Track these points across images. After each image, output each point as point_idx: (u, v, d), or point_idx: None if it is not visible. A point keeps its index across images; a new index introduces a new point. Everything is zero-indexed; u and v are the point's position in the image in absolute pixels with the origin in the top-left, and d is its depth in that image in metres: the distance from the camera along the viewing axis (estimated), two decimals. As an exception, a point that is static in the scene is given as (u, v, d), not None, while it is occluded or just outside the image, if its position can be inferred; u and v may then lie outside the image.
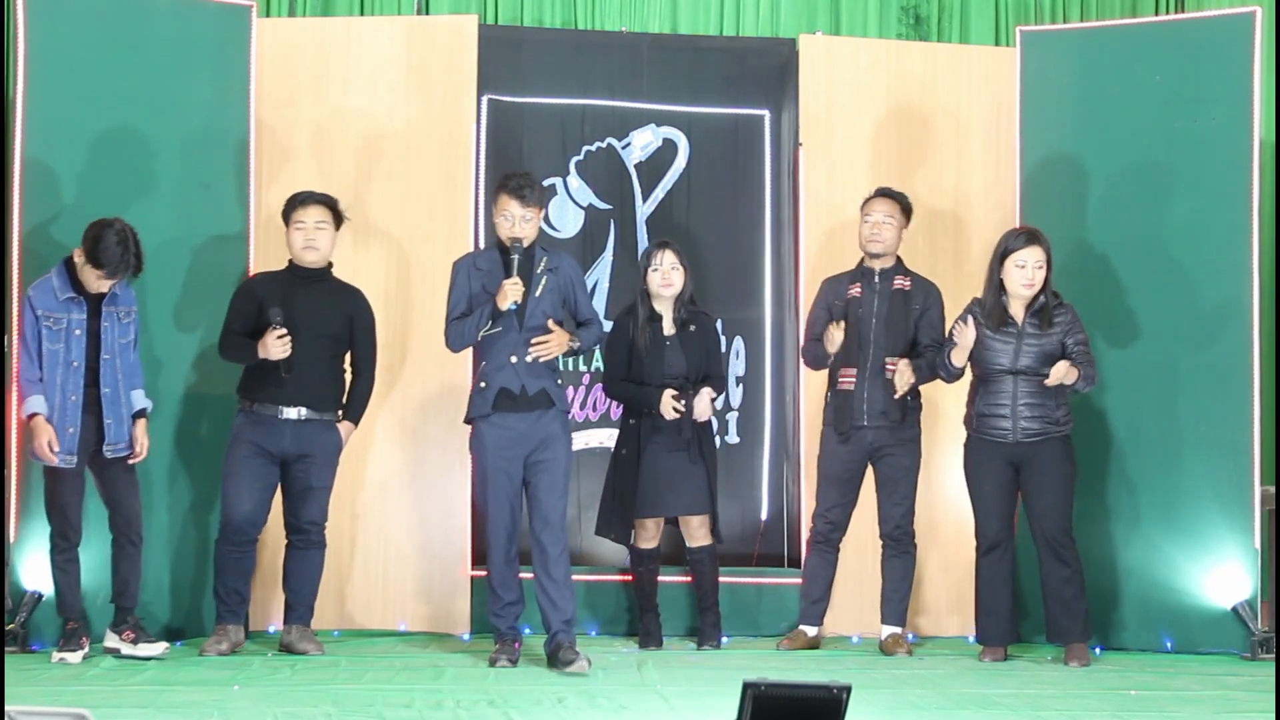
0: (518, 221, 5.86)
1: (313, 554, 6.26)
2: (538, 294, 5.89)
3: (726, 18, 7.84)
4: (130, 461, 5.99)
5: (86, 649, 5.89)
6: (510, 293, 5.78)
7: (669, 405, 6.36)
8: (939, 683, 5.66)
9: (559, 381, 6.02)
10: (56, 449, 5.83)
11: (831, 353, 6.44)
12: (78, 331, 5.87)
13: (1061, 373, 6.12)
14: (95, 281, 5.87)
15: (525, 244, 5.86)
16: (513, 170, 6.22)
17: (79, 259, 5.87)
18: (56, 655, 5.84)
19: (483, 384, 5.90)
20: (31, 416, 5.83)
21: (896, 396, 6.40)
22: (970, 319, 6.25)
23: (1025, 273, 6.22)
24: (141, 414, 6.03)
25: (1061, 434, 6.25)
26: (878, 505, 6.55)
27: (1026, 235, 6.29)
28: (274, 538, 6.36)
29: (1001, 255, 6.27)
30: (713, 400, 6.52)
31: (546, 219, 7.33)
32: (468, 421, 5.97)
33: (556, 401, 5.93)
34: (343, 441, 6.30)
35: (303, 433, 6.16)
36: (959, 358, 6.28)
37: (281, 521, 6.31)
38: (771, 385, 7.36)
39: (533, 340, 5.84)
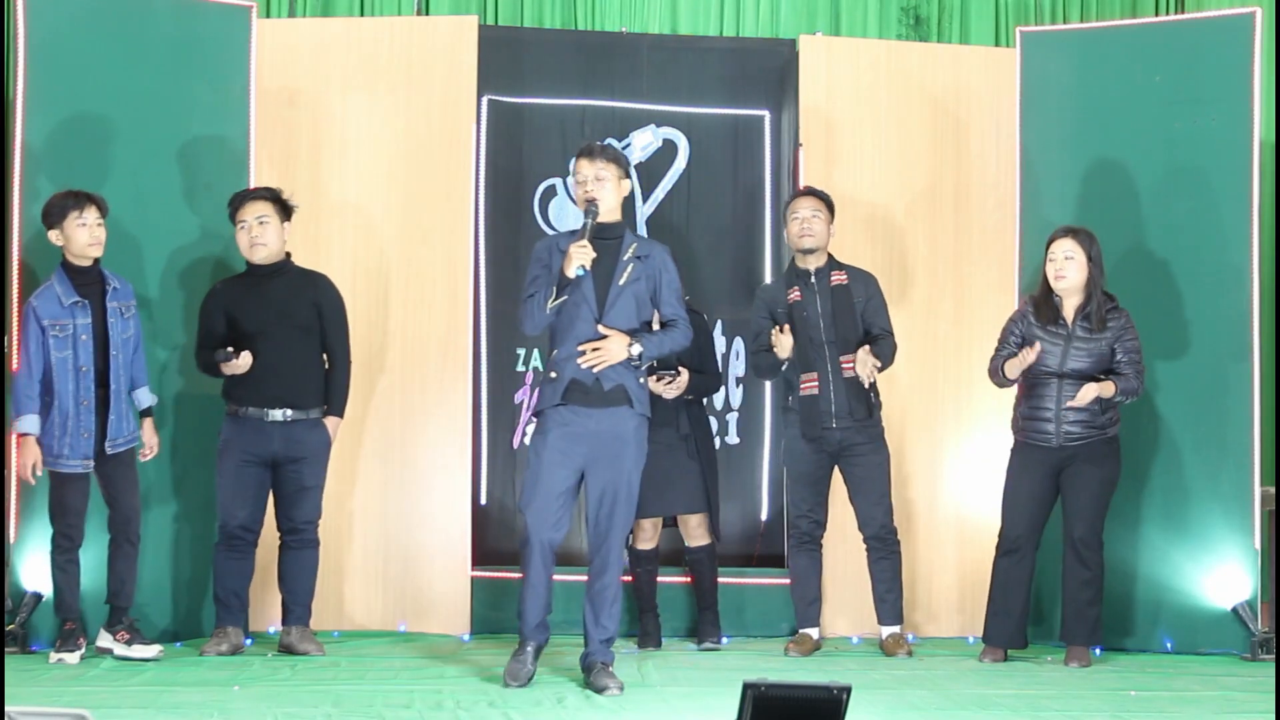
0: (590, 180, 5.36)
1: (307, 554, 6.24)
2: (621, 282, 5.35)
3: (726, 18, 7.84)
4: (144, 458, 6.00)
5: (84, 649, 5.90)
6: (576, 256, 5.23)
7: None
8: (939, 683, 5.66)
9: (641, 380, 5.45)
10: (39, 474, 5.85)
11: (784, 359, 6.38)
12: (84, 336, 5.87)
13: (1088, 398, 6.08)
14: (84, 239, 5.87)
15: (601, 208, 5.34)
16: None
17: (57, 239, 5.92)
18: (54, 656, 5.84)
19: (553, 374, 5.36)
20: (23, 435, 5.84)
21: (866, 384, 6.37)
22: (1037, 343, 6.16)
23: (1054, 265, 6.21)
24: (148, 412, 6.04)
25: (1106, 436, 6.21)
26: (855, 509, 6.52)
27: (1065, 229, 6.28)
28: (268, 538, 6.34)
29: (1046, 246, 6.28)
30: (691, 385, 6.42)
31: (547, 220, 7.33)
32: (536, 414, 5.46)
33: (635, 402, 5.36)
34: (331, 437, 6.28)
35: (291, 434, 6.15)
36: (1013, 371, 6.23)
37: (274, 522, 6.30)
38: (771, 386, 7.35)
39: (580, 345, 5.32)
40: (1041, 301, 6.27)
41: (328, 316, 6.28)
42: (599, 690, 5.22)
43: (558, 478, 5.31)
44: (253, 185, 6.64)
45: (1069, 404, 6.14)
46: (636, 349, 5.34)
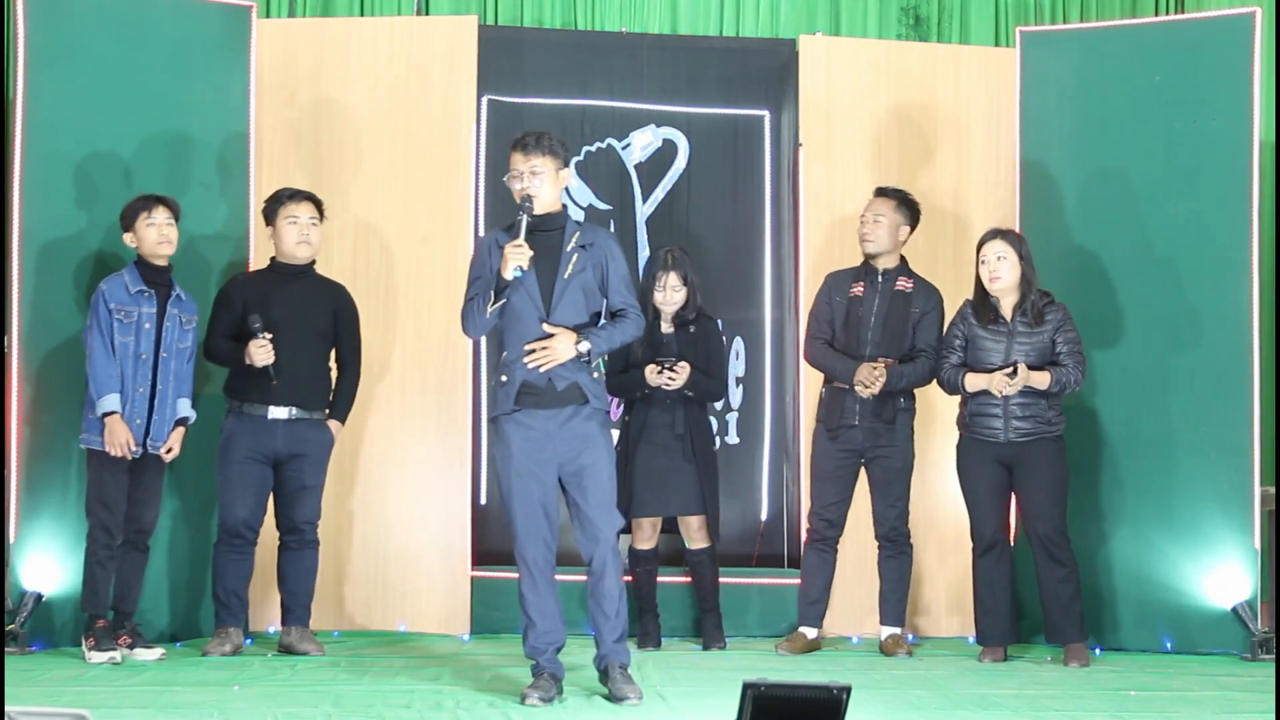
0: (525, 175, 5.10)
1: (307, 554, 6.25)
2: (566, 275, 5.12)
3: (726, 18, 7.84)
4: (165, 458, 6.00)
5: (131, 645, 5.93)
6: (513, 257, 4.99)
7: (652, 372, 6.33)
8: (939, 683, 5.66)
9: (595, 375, 5.22)
10: (134, 448, 5.88)
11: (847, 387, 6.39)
12: (147, 325, 5.94)
13: (1021, 380, 6.08)
14: (153, 238, 5.94)
15: (538, 203, 5.10)
16: None
17: (131, 241, 6.00)
18: (99, 656, 5.81)
19: (503, 378, 5.14)
20: (108, 414, 5.86)
21: (863, 394, 6.36)
22: (1016, 380, 6.14)
23: (987, 267, 6.26)
24: (183, 421, 6.05)
25: (1053, 434, 6.25)
26: (872, 507, 6.54)
27: (993, 231, 6.34)
28: (268, 538, 6.34)
29: (976, 252, 6.33)
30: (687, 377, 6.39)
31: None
32: (491, 421, 5.30)
33: (591, 398, 5.13)
34: (333, 439, 6.30)
35: (293, 432, 6.16)
36: (973, 386, 6.22)
37: (274, 522, 6.30)
38: (771, 385, 7.36)
39: (527, 345, 5.09)
40: (979, 304, 6.31)
41: (344, 326, 6.33)
42: (618, 700, 5.04)
43: (533, 495, 5.10)
44: (252, 185, 6.67)
45: (1005, 390, 6.12)
46: (585, 346, 5.08)
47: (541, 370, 5.08)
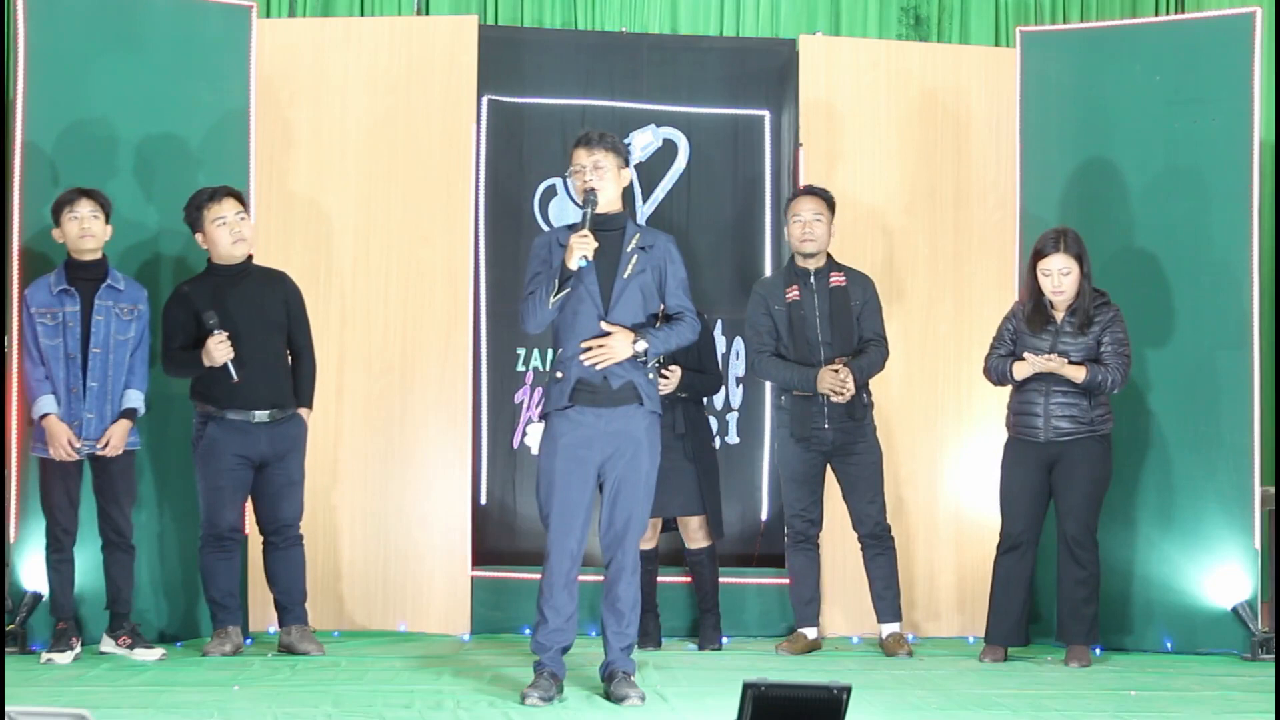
0: (589, 170, 5.15)
1: (295, 553, 6.22)
2: (625, 275, 5.14)
3: (726, 18, 7.84)
4: (96, 452, 5.92)
5: (77, 649, 5.90)
6: (578, 247, 5.02)
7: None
8: (939, 683, 5.66)
9: (651, 376, 5.23)
10: (77, 444, 5.85)
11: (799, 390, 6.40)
12: (72, 324, 5.89)
13: (1049, 365, 6.08)
14: (74, 232, 5.90)
15: (601, 199, 5.15)
16: None
17: (59, 237, 5.95)
18: (45, 656, 5.84)
19: (559, 374, 5.15)
20: (44, 417, 5.84)
21: (840, 400, 6.33)
22: (1058, 358, 6.14)
23: (1051, 280, 6.20)
24: (129, 413, 5.99)
25: (1097, 434, 6.22)
26: (849, 508, 6.52)
27: (1053, 240, 6.23)
28: (253, 540, 6.33)
29: (1033, 259, 6.28)
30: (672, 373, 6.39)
31: (547, 220, 7.33)
32: (543, 417, 5.28)
33: (645, 399, 5.16)
34: (307, 428, 6.26)
35: (276, 433, 6.12)
36: (1021, 373, 6.21)
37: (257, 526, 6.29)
38: (771, 385, 7.35)
39: (583, 342, 5.12)
40: (1032, 307, 6.27)
41: (295, 313, 6.27)
42: (619, 700, 5.01)
43: (574, 491, 5.10)
44: (252, 186, 6.66)
45: (1032, 357, 6.12)
46: (641, 345, 5.11)
47: (597, 368, 5.11)
